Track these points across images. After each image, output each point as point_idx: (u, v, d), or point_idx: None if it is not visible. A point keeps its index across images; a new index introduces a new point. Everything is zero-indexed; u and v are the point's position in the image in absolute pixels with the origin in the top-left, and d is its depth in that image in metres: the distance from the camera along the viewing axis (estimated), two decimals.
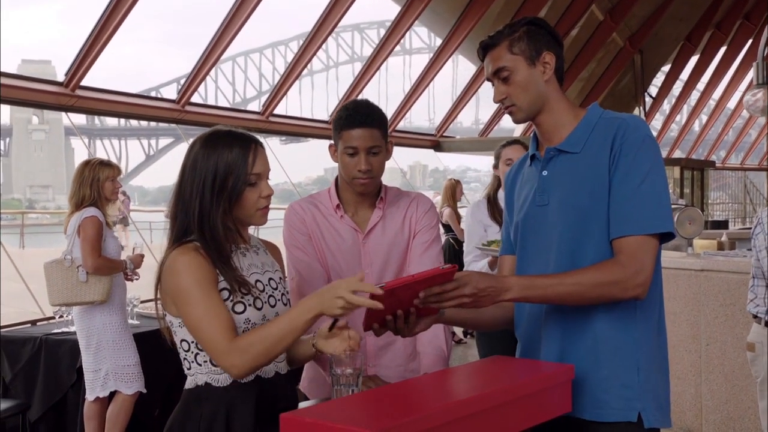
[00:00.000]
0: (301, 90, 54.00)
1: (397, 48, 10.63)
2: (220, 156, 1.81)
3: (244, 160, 1.82)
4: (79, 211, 3.90)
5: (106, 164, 4.00)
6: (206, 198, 1.81)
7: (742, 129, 25.50)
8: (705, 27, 15.57)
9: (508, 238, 2.02)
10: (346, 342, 1.80)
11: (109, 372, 3.89)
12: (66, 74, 6.68)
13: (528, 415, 1.62)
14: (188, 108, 7.87)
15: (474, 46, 2.06)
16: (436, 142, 12.40)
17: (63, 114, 7.31)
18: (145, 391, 3.97)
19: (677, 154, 20.92)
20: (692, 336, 4.62)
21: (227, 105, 45.61)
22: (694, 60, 16.87)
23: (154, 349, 4.04)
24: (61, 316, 4.40)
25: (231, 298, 1.80)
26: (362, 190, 2.27)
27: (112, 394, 3.93)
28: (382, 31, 10.25)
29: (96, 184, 3.93)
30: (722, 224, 11.34)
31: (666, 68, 16.42)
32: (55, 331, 4.33)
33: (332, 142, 2.28)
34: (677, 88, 18.36)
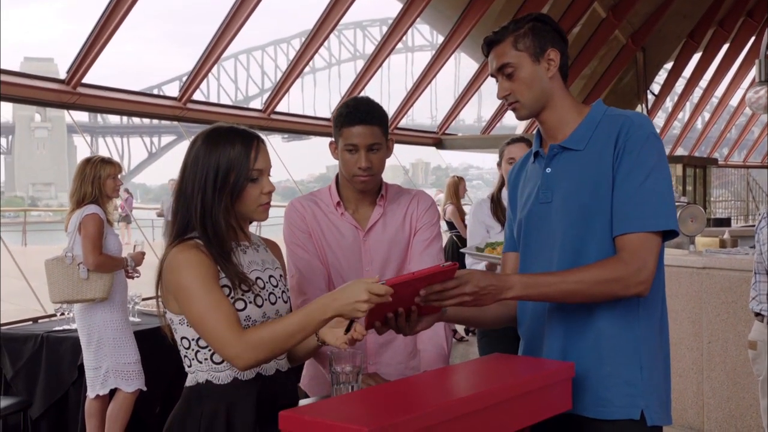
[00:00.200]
0: (303, 87, 54.07)
1: (399, 45, 10.62)
2: (222, 152, 1.82)
3: (246, 156, 1.82)
4: (80, 209, 3.90)
5: (107, 162, 4.00)
6: (208, 194, 1.81)
7: (745, 126, 25.47)
8: (708, 24, 15.53)
9: (512, 235, 2.02)
10: (351, 333, 1.77)
11: (110, 369, 3.89)
12: (68, 72, 6.67)
13: (528, 412, 1.61)
14: (190, 106, 7.86)
15: (476, 43, 2.06)
16: (439, 139, 12.37)
17: (65, 112, 7.31)
18: (145, 389, 3.97)
19: (680, 151, 20.88)
20: (694, 333, 4.61)
21: (229, 102, 45.68)
22: (696, 57, 16.83)
23: (155, 347, 4.05)
24: (63, 314, 4.41)
25: (232, 295, 1.79)
26: (362, 187, 2.26)
27: (113, 391, 3.94)
28: (384, 29, 10.23)
29: (97, 182, 3.93)
30: (725, 222, 11.32)
31: (668, 66, 16.38)
32: (57, 328, 4.34)
33: (333, 139, 2.28)
34: (680, 85, 18.32)
